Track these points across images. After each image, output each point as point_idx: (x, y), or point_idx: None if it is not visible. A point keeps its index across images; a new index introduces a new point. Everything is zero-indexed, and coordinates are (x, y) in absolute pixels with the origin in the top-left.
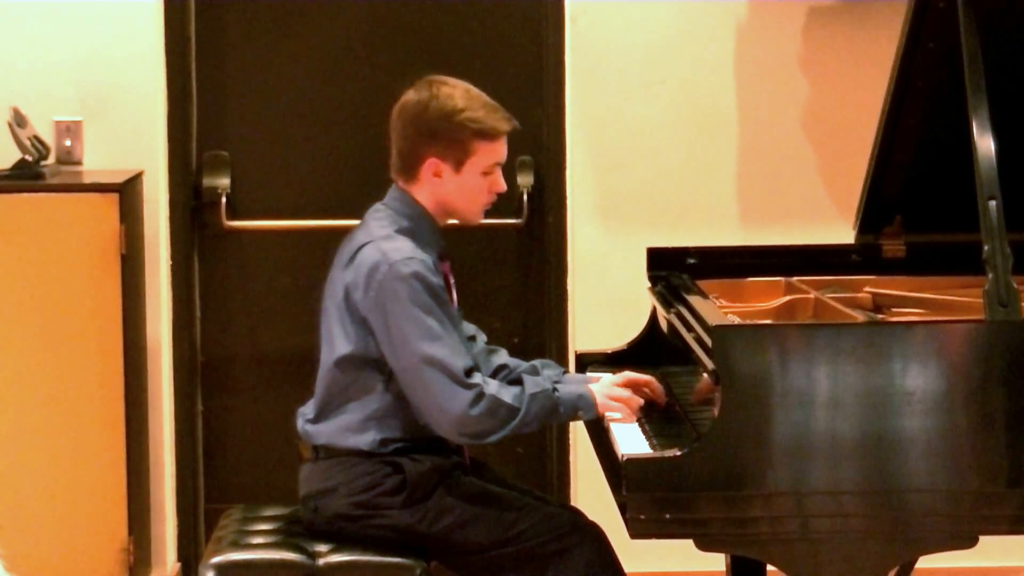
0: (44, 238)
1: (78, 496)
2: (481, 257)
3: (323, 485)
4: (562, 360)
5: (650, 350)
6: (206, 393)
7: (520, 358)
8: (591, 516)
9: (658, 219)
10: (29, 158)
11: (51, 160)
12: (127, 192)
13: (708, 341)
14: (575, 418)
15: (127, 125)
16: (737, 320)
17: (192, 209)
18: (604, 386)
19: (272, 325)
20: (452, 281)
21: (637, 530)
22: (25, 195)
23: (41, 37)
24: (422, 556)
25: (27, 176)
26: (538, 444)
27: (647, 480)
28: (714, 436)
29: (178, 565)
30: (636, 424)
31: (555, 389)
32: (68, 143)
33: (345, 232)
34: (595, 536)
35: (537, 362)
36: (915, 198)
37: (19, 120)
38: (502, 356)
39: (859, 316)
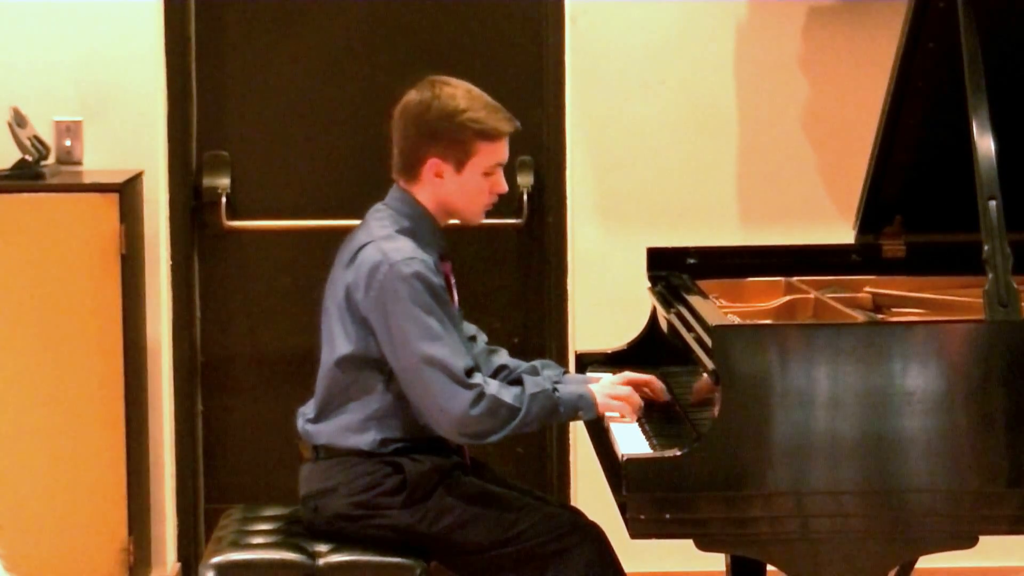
0: (44, 238)
1: (78, 496)
2: (481, 257)
3: (323, 485)
4: (562, 360)
5: (650, 350)
6: (206, 393)
7: (520, 358)
8: (591, 516)
9: (658, 219)
10: (29, 158)
11: (51, 160)
12: (127, 192)
13: (708, 341)
14: (575, 418)
15: (127, 125)
16: (737, 320)
17: (192, 209)
18: (604, 386)
19: (272, 325)
20: (453, 281)
21: (637, 530)
22: (25, 195)
23: (41, 37)
24: (422, 556)
25: (27, 176)
26: (538, 444)
27: (647, 480)
28: (714, 436)
29: (178, 565)
30: (636, 424)
31: (555, 389)
32: (68, 143)
33: (345, 232)
34: (595, 536)
35: (537, 362)
36: (915, 198)
37: (19, 120)
38: (502, 356)
39: (859, 316)
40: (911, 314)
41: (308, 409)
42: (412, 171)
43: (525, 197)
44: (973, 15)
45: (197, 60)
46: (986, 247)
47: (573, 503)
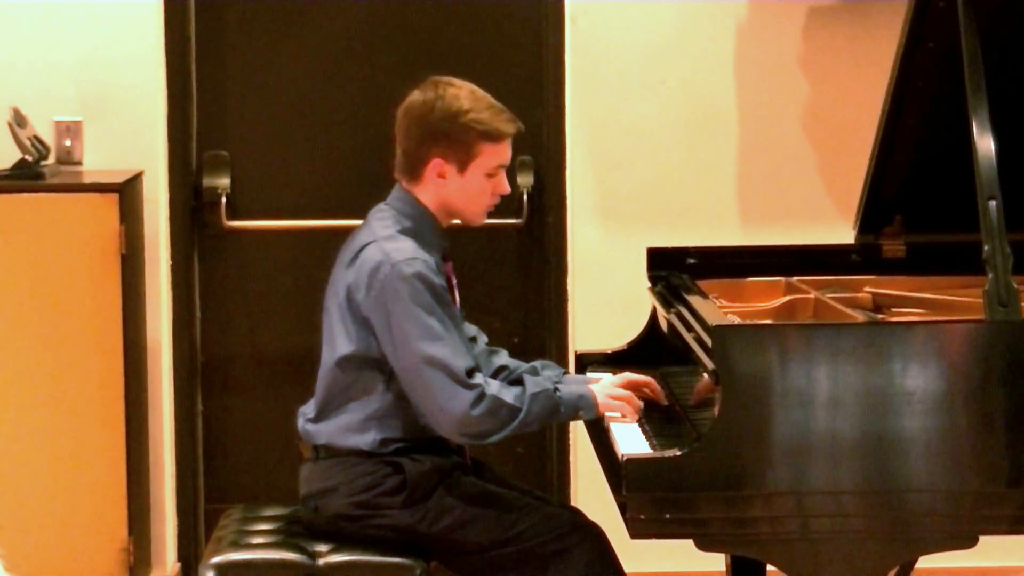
0: (44, 238)
1: (78, 496)
2: (481, 257)
3: (323, 485)
4: (562, 360)
5: (650, 350)
6: (206, 393)
7: (520, 358)
8: (591, 516)
9: (658, 219)
10: (29, 158)
11: (51, 160)
12: (127, 192)
13: (708, 341)
14: (576, 418)
15: (127, 125)
16: (737, 320)
17: (192, 209)
18: (605, 386)
19: (272, 325)
20: (455, 282)
21: (637, 530)
22: (25, 195)
23: (41, 37)
24: (422, 556)
25: (27, 176)
26: (538, 444)
27: (647, 480)
28: (714, 436)
29: (178, 565)
30: (636, 424)
31: (556, 389)
32: (68, 143)
33: (345, 232)
34: (595, 536)
35: (537, 363)
36: (915, 198)
37: (19, 120)
38: (502, 357)
39: (859, 316)
40: (911, 314)
41: (308, 409)
42: (415, 171)
43: (525, 197)
44: (973, 15)
45: (197, 60)
46: (986, 247)
47: (573, 503)
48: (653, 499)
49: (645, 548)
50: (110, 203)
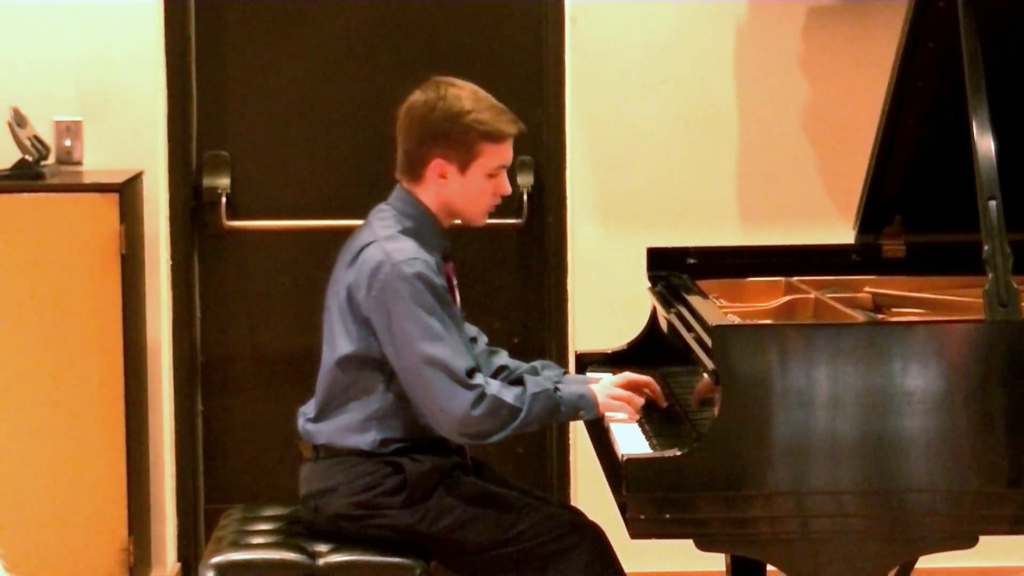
0: (44, 238)
1: (78, 496)
2: (481, 257)
3: (323, 485)
4: (562, 360)
5: (650, 350)
6: (206, 393)
7: (520, 358)
8: (591, 516)
9: (658, 219)
10: (29, 158)
11: (51, 160)
12: (127, 192)
13: (708, 341)
14: (576, 418)
15: (127, 125)
16: (737, 320)
17: (192, 209)
18: (605, 386)
19: (272, 325)
20: (455, 282)
21: (637, 530)
22: (25, 195)
23: (41, 37)
24: (422, 556)
25: (27, 176)
26: (538, 444)
27: (647, 480)
28: (714, 436)
29: (178, 565)
30: (636, 424)
31: (556, 389)
32: (68, 143)
33: (346, 232)
34: (595, 536)
35: (537, 363)
36: (915, 198)
37: (19, 120)
38: (502, 358)
39: (859, 316)
40: (911, 314)
41: (308, 409)
42: (416, 171)
43: (525, 197)
44: (973, 15)
45: (197, 60)
46: (986, 247)
47: (573, 503)
48: (653, 499)
49: (645, 548)
50: (110, 203)
